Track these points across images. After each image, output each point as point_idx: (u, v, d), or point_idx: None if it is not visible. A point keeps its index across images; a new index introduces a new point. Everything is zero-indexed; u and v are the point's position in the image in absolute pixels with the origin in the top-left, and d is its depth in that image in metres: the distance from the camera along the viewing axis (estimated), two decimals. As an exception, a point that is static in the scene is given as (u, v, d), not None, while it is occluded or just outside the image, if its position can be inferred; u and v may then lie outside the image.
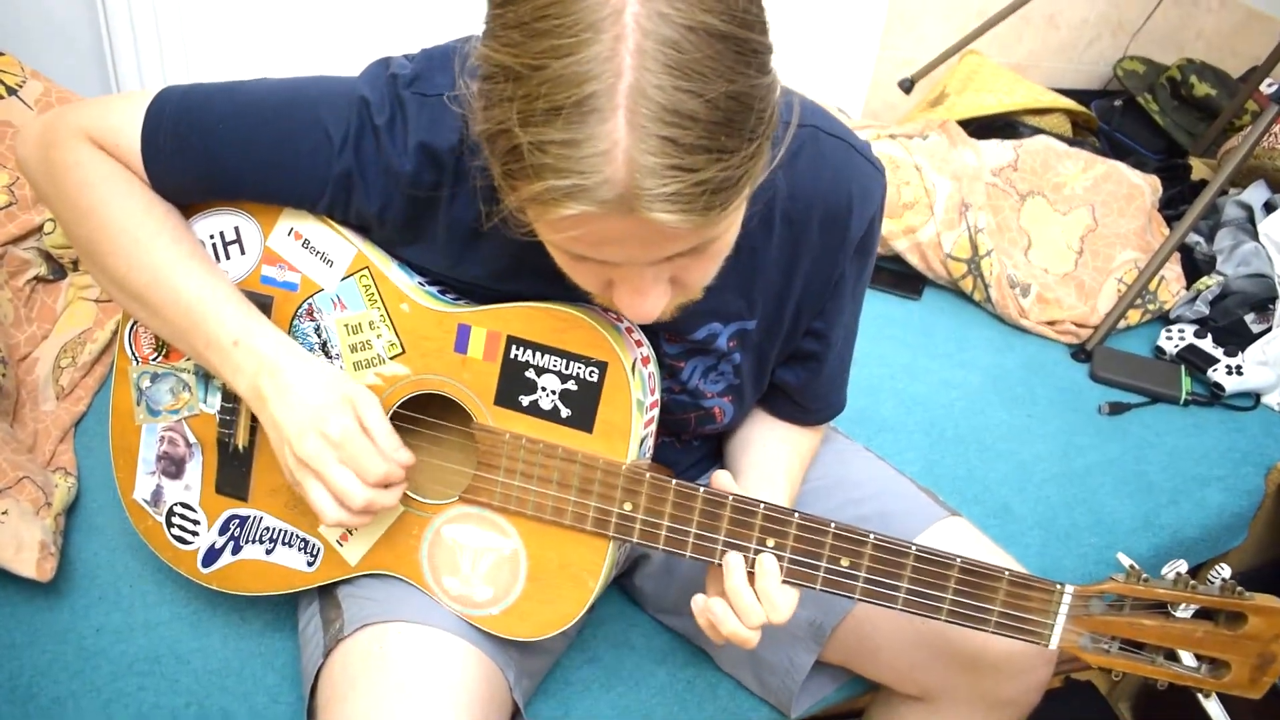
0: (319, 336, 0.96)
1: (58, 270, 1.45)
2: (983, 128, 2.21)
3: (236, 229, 0.96)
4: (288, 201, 0.94)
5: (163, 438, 1.03)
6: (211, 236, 0.96)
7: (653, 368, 0.95)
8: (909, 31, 2.46)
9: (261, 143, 0.90)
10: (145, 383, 1.02)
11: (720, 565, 0.91)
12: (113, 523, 1.24)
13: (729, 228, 0.75)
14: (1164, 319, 1.98)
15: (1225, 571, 0.86)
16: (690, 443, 1.13)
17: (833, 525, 0.87)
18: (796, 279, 0.98)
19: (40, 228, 1.42)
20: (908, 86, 2.38)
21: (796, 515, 0.87)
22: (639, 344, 0.93)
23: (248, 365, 0.90)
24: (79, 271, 1.45)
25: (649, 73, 0.63)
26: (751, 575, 0.89)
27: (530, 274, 0.93)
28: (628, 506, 0.90)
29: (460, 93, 0.75)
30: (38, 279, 1.43)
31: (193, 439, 1.02)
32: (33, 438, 1.30)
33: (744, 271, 0.94)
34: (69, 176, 0.92)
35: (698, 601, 0.91)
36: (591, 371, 0.89)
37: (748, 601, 0.88)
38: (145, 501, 1.05)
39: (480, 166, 0.89)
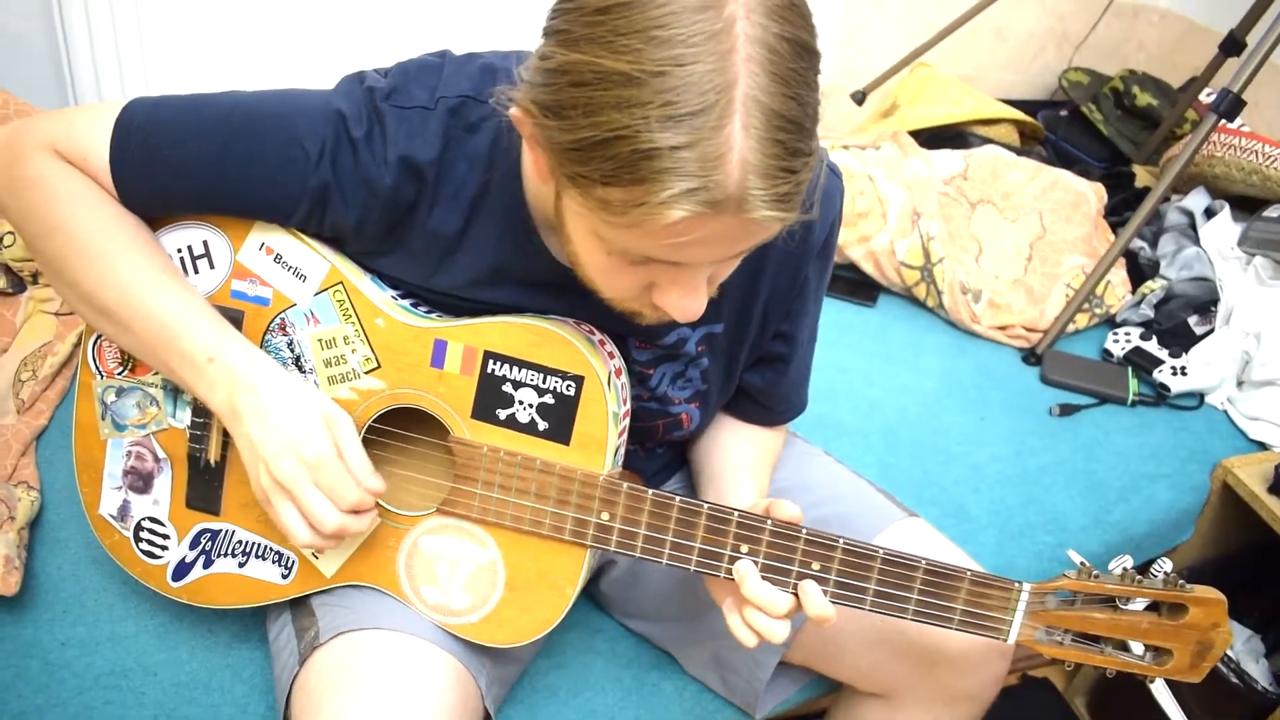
0: (292, 351, 0.97)
1: (17, 283, 1.44)
2: (933, 138, 2.26)
3: (205, 243, 0.97)
4: (261, 215, 0.94)
5: (129, 453, 1.03)
6: (180, 250, 0.97)
7: (624, 379, 0.98)
8: (861, 44, 2.50)
9: (235, 156, 0.90)
10: (110, 397, 1.02)
11: (717, 580, 0.95)
12: (76, 536, 1.24)
13: None
14: (1111, 322, 2.05)
15: (1167, 565, 0.92)
16: (654, 450, 1.16)
17: (804, 531, 0.91)
18: (762, 284, 1.01)
19: (-1, 240, 1.41)
20: (860, 98, 2.43)
21: (769, 522, 0.91)
22: (611, 356, 0.96)
23: (223, 382, 0.91)
24: (38, 284, 1.44)
25: (758, 80, 0.68)
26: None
27: (509, 283, 0.95)
28: (605, 516, 0.93)
29: (512, 103, 0.77)
30: (-4, 292, 1.43)
31: (161, 454, 1.02)
32: (-7, 453, 1.29)
33: None
34: (34, 192, 0.91)
35: (733, 621, 0.93)
36: (569, 385, 0.91)
37: (770, 596, 0.90)
38: (112, 516, 1.05)
39: (468, 176, 0.91)
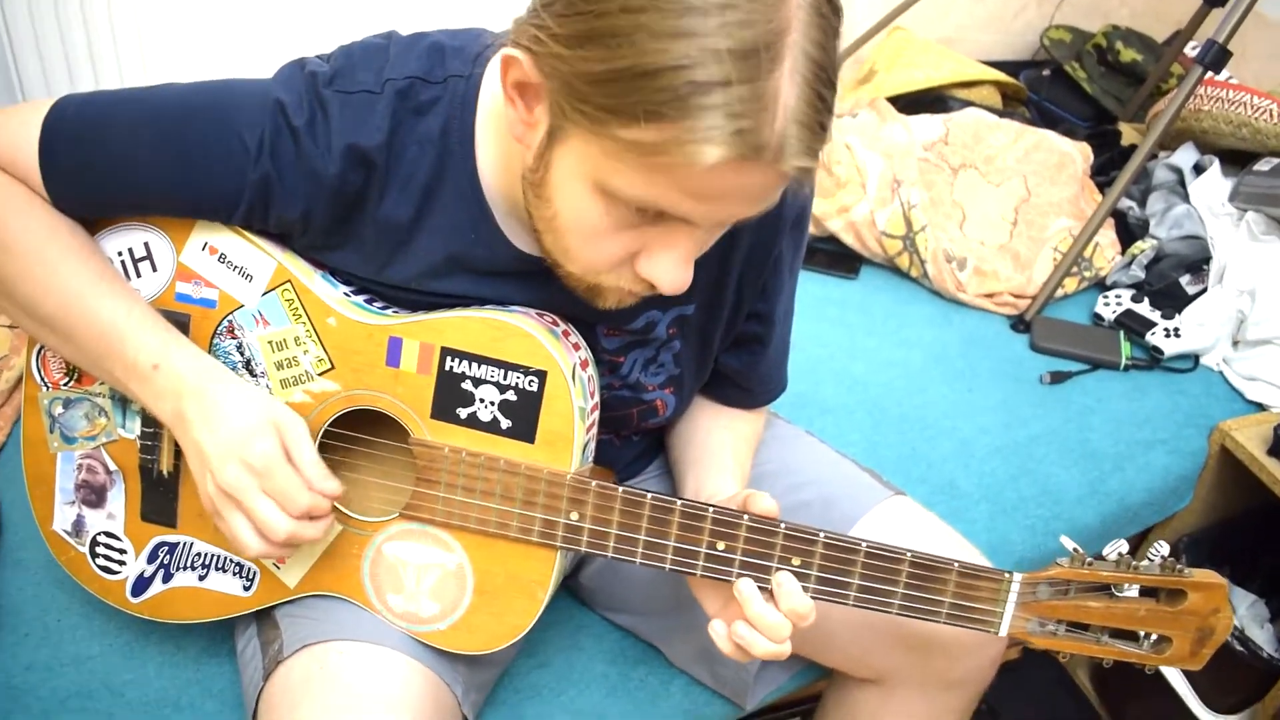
0: (242, 354, 0.94)
1: (-35, 296, 1.40)
2: (912, 103, 2.23)
3: (146, 245, 0.93)
4: (202, 214, 0.91)
5: (80, 466, 1.00)
6: (120, 254, 0.93)
7: (591, 371, 0.94)
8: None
9: (170, 153, 0.87)
10: (58, 409, 0.99)
11: (699, 578, 0.91)
12: (37, 556, 1.21)
13: None
14: (1101, 285, 2.02)
15: (1164, 549, 0.88)
16: (630, 438, 1.13)
17: (783, 525, 0.87)
18: (734, 261, 0.98)
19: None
20: (836, 63, 2.39)
21: (746, 517, 0.87)
22: (576, 347, 0.93)
23: (169, 390, 0.88)
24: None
25: (807, 31, 0.68)
26: (768, 593, 0.88)
27: (466, 272, 0.92)
28: (574, 516, 0.89)
29: (511, 44, 0.74)
30: (-58, 305, 1.38)
31: (113, 466, 0.99)
32: (-55, 471, 1.25)
33: None
34: None
35: (717, 629, 0.90)
36: (531, 380, 0.88)
37: (774, 621, 0.87)
38: (66, 532, 1.02)
39: (419, 161, 0.88)
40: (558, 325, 0.93)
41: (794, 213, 1.00)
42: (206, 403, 0.87)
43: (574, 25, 0.69)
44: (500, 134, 0.86)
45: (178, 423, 0.88)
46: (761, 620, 0.87)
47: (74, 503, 1.01)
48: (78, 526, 1.02)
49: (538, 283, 0.90)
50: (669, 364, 1.03)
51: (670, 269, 0.79)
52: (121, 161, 0.88)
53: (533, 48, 0.72)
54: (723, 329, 1.04)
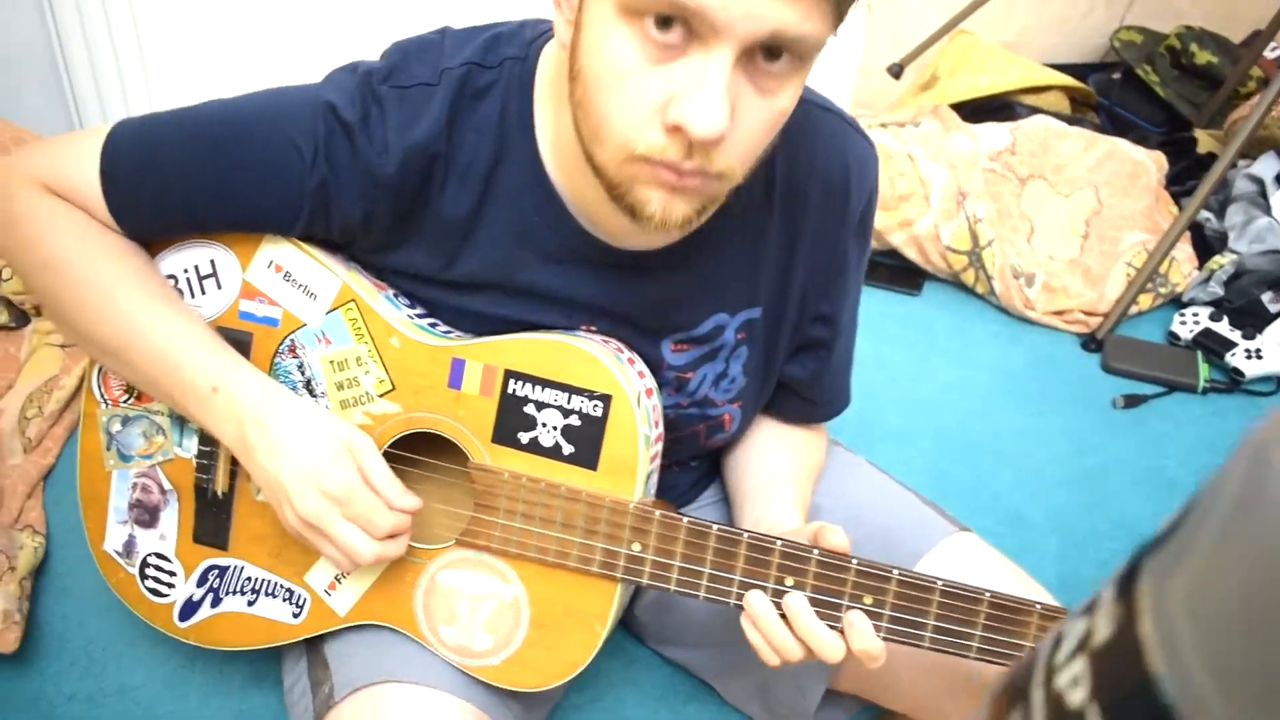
0: (302, 374, 0.96)
1: (20, 317, 1.43)
2: (977, 110, 2.22)
3: (212, 262, 0.95)
4: (264, 227, 0.93)
5: (135, 484, 1.02)
6: (185, 271, 0.96)
7: (656, 399, 0.95)
8: (896, 14, 2.46)
9: (226, 168, 0.89)
10: (115, 426, 1.01)
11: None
12: (83, 581, 1.24)
13: (793, 88, 0.77)
14: (1177, 302, 2.00)
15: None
16: (688, 464, 1.13)
17: (854, 561, 0.87)
18: (799, 261, 0.98)
19: (-1, 274, 1.41)
20: (897, 72, 2.38)
21: (816, 552, 0.87)
22: (641, 375, 0.93)
23: (230, 413, 0.89)
24: (42, 317, 1.44)
25: None
26: (838, 631, 0.88)
27: (534, 260, 0.92)
28: (636, 547, 0.90)
29: None
30: None
31: (167, 485, 1.01)
32: (-2, 495, 1.28)
33: (747, 255, 0.96)
34: (23, 228, 0.91)
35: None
36: (595, 405, 0.89)
37: (827, 639, 0.87)
38: (117, 553, 1.04)
39: (479, 149, 0.88)
40: (623, 352, 0.94)
41: (858, 212, 1.00)
42: (269, 427, 0.88)
43: None
44: (558, 111, 0.86)
45: (241, 447, 0.90)
46: (811, 636, 0.87)
47: (127, 522, 1.03)
48: (129, 547, 1.04)
49: (611, 275, 0.91)
50: (738, 377, 1.03)
51: (701, 101, 0.73)
52: (180, 181, 0.90)
53: None
54: (788, 333, 1.03)
